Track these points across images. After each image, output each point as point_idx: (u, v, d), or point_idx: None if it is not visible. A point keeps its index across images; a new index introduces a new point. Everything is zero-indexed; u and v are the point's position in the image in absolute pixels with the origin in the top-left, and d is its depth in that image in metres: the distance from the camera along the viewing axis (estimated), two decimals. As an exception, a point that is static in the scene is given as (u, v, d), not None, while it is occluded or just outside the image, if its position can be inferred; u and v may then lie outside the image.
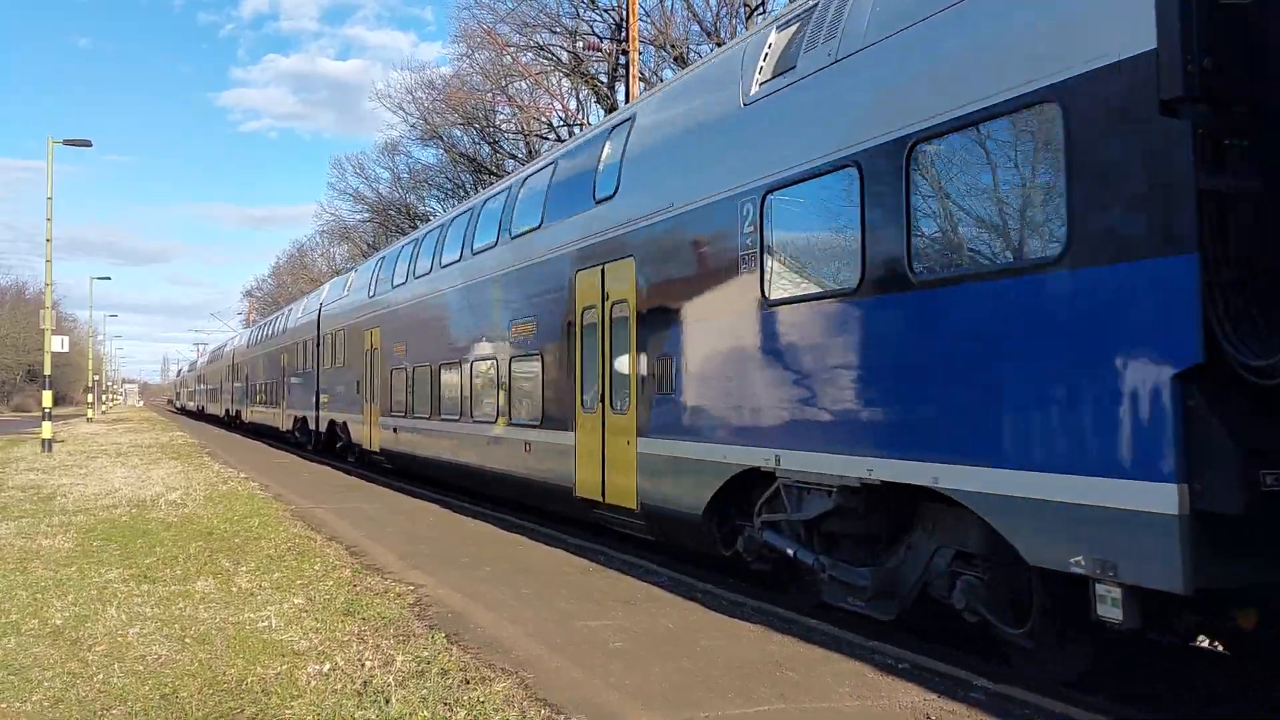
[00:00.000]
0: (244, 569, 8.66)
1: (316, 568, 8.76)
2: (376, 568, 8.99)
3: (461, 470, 14.54)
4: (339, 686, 5.26)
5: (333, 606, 7.20)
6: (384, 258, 20.45)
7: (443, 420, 14.87)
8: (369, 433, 19.41)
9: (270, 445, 31.29)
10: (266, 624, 6.63)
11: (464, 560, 9.48)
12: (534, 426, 11.46)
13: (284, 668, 5.60)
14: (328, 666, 5.60)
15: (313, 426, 25.59)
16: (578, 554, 9.84)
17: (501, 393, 12.54)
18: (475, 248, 13.93)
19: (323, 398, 24.46)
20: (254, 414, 38.33)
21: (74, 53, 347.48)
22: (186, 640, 6.26)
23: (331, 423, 23.39)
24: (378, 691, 5.13)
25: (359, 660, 5.75)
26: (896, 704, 5.11)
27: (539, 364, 11.35)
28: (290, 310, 33.32)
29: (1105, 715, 4.92)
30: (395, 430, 17.47)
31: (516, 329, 12.12)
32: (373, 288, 20.00)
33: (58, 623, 6.74)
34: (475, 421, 13.53)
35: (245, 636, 6.32)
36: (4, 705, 5.08)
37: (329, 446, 24.15)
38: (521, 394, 12.02)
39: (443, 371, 14.96)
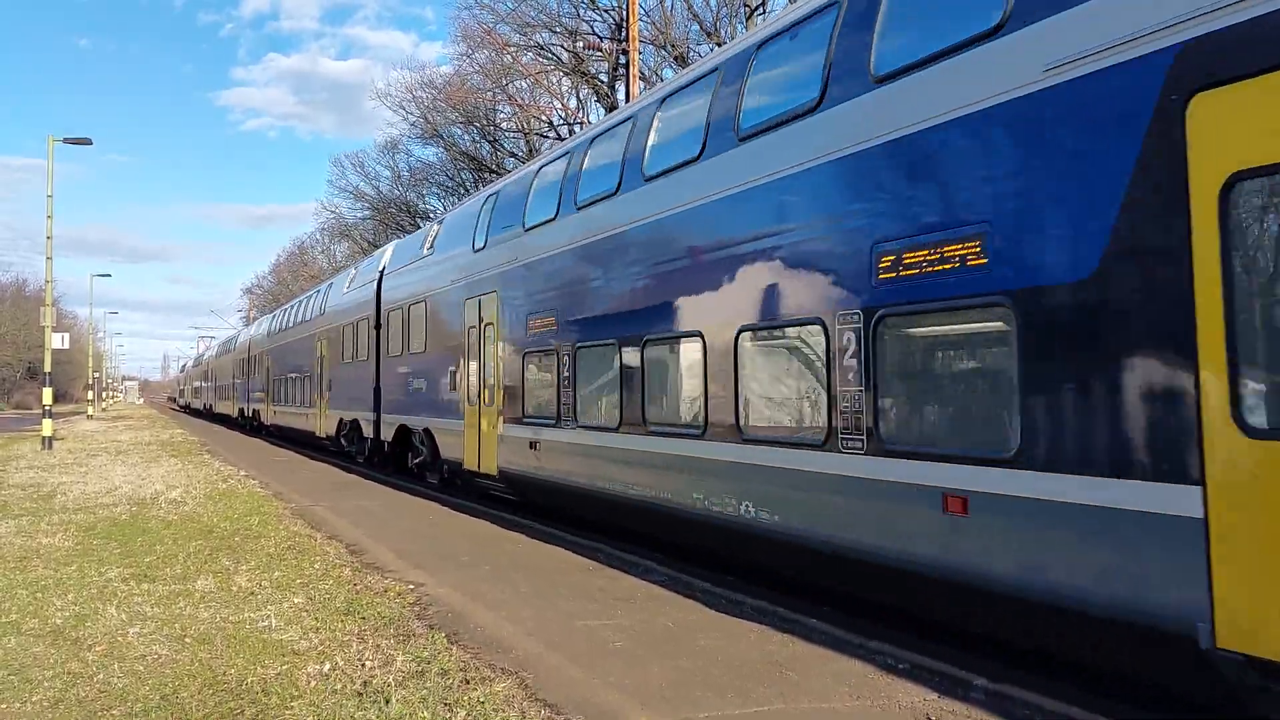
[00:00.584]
0: (244, 568, 8.67)
1: (316, 566, 8.77)
2: (376, 566, 8.99)
3: (706, 526, 8.32)
4: (339, 686, 5.26)
5: (333, 606, 7.21)
6: (499, 193, 14.05)
7: (656, 435, 9.06)
8: (476, 446, 13.61)
9: (273, 444, 31.20)
10: (266, 623, 6.63)
11: (464, 559, 9.48)
12: (989, 461, 5.50)
13: (284, 667, 5.61)
14: (328, 666, 5.61)
15: (369, 433, 19.63)
16: (577, 552, 9.84)
17: (845, 390, 6.59)
18: (745, 128, 7.93)
19: (387, 395, 18.49)
20: (278, 415, 31.38)
21: (74, 53, 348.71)
22: (186, 640, 6.27)
23: (404, 429, 17.45)
24: (378, 692, 5.14)
25: (359, 660, 5.76)
26: (896, 704, 5.11)
27: (1001, 327, 5.57)
28: (330, 286, 26.02)
29: (1105, 716, 4.92)
30: (534, 446, 11.67)
31: (901, 259, 6.15)
32: (481, 237, 13.97)
33: (58, 622, 6.75)
34: (753, 442, 7.61)
35: (245, 636, 6.32)
36: (4, 705, 5.09)
37: (396, 460, 18.40)
38: (928, 394, 6.35)
39: (653, 352, 9.24)
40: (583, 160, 11.12)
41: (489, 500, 14.14)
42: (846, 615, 7.19)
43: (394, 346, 18.04)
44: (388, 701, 4.97)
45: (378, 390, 19.06)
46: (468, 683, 5.32)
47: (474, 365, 13.83)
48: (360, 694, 5.13)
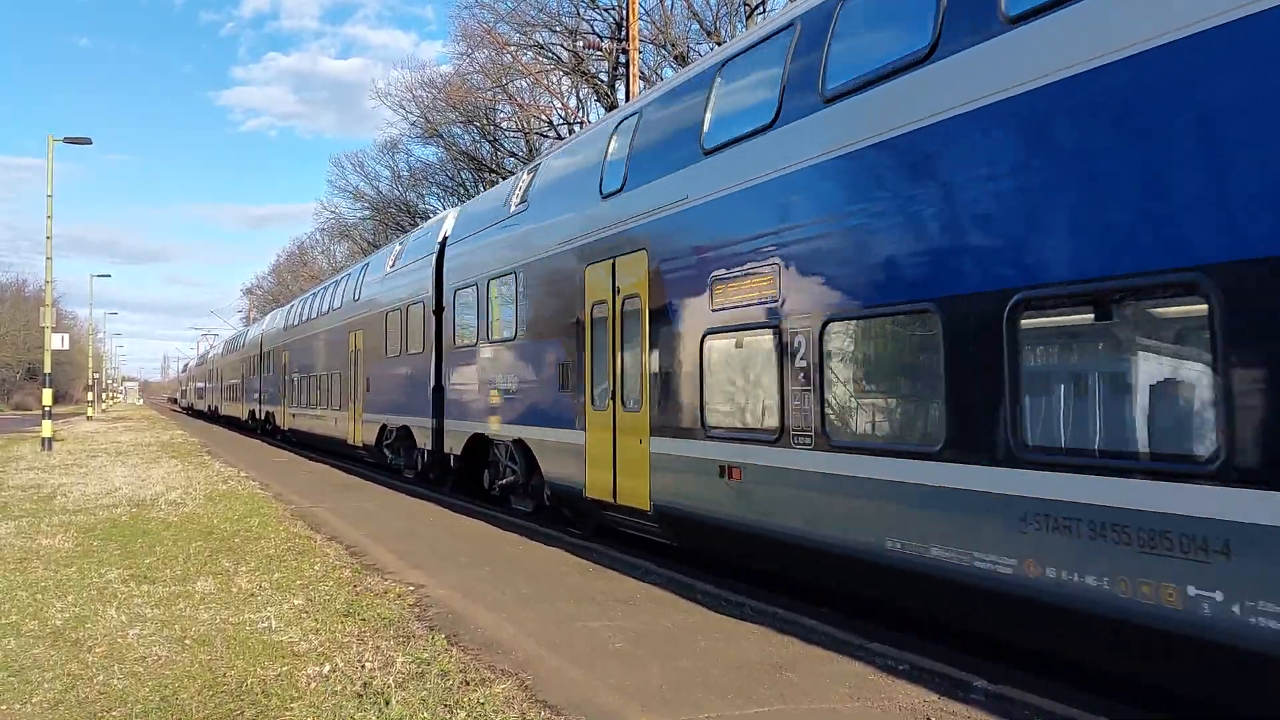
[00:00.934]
0: (244, 569, 8.67)
1: (316, 568, 8.77)
2: (376, 568, 9.00)
3: (1226, 650, 4.36)
4: (339, 688, 5.26)
5: (333, 607, 7.21)
6: (642, 112, 10.02)
7: (1048, 467, 5.19)
8: (608, 468, 9.80)
9: (274, 446, 31.17)
10: (266, 625, 6.64)
11: (463, 560, 9.49)
12: None
13: (284, 669, 5.61)
14: (328, 668, 5.61)
15: (425, 443, 15.97)
16: (577, 554, 9.84)
17: None
18: None
19: (453, 397, 14.76)
20: (298, 418, 27.70)
21: (74, 53, 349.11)
22: (186, 641, 6.27)
23: (479, 441, 13.78)
24: (378, 693, 5.14)
25: (359, 661, 5.76)
26: (896, 705, 5.11)
27: None
28: (365, 267, 22.19)
29: (1105, 716, 4.92)
30: (729, 473, 7.82)
31: None
32: (614, 176, 10.06)
33: (57, 623, 6.75)
34: None
35: (245, 637, 6.33)
36: (4, 707, 5.09)
37: (464, 478, 14.95)
38: None
39: (1040, 322, 5.47)
40: (831, 28, 7.16)
41: (488, 501, 13.61)
42: (846, 616, 7.19)
43: (464, 335, 14.42)
44: (388, 703, 4.98)
45: (439, 391, 15.38)
46: (468, 684, 5.32)
47: (601, 353, 10.10)
48: (360, 695, 5.14)
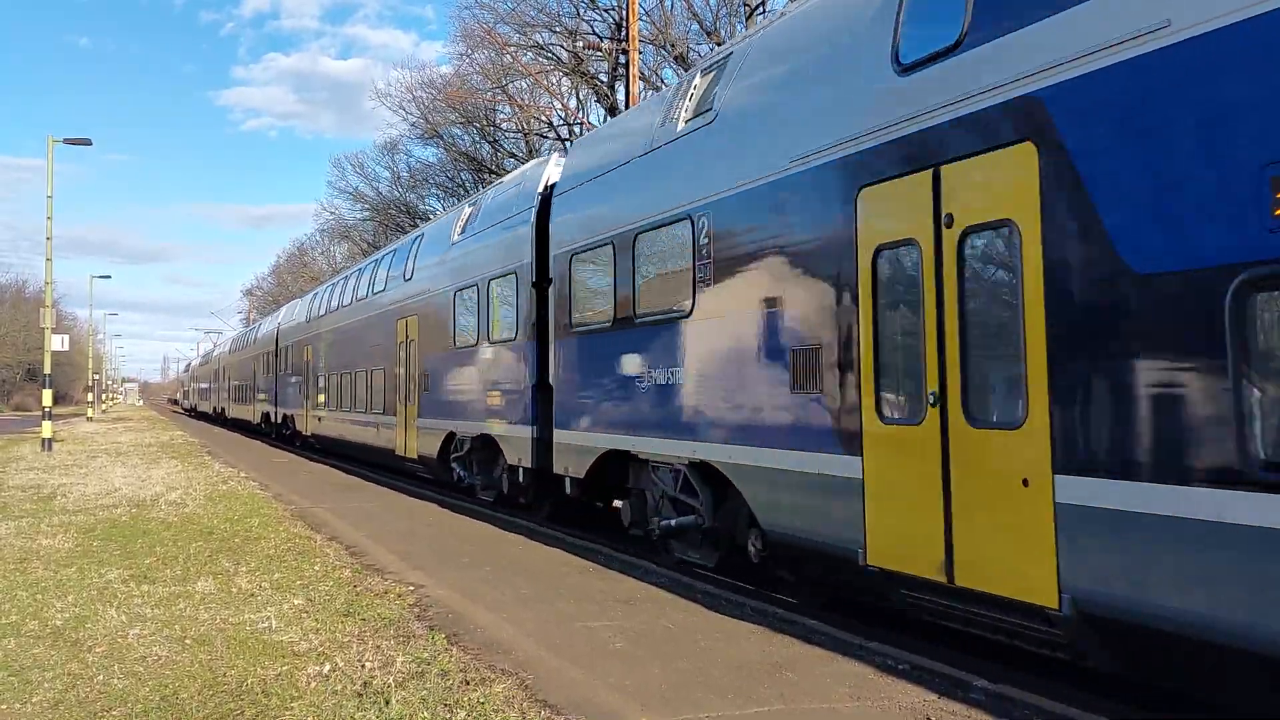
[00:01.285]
0: (244, 569, 8.67)
1: (316, 568, 8.77)
2: (376, 568, 9.00)
3: None
4: (339, 688, 5.26)
5: (333, 607, 7.21)
6: None
7: None
8: (935, 520, 5.77)
9: (274, 446, 31.14)
10: (266, 625, 6.64)
11: (464, 560, 9.49)
12: None
13: (284, 669, 5.61)
14: (328, 667, 5.61)
15: (518, 459, 12.44)
16: (577, 554, 9.84)
17: None
18: None
19: (568, 397, 11.00)
20: (326, 423, 23.94)
21: (74, 53, 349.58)
22: (186, 641, 6.27)
23: (617, 458, 10.03)
24: (378, 693, 5.14)
25: (359, 661, 5.76)
26: (896, 705, 5.11)
27: None
28: (419, 239, 18.27)
29: (1105, 715, 4.92)
30: None
31: None
32: (930, 30, 6.17)
33: (58, 623, 6.75)
34: None
35: (245, 637, 6.33)
36: (4, 707, 5.09)
37: (574, 505, 12.04)
38: None
39: None
40: None
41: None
42: (845, 617, 7.19)
43: (588, 313, 10.62)
44: (388, 702, 4.98)
45: (542, 390, 11.89)
46: (468, 683, 5.32)
47: (901, 329, 6.28)
48: (360, 695, 5.14)
